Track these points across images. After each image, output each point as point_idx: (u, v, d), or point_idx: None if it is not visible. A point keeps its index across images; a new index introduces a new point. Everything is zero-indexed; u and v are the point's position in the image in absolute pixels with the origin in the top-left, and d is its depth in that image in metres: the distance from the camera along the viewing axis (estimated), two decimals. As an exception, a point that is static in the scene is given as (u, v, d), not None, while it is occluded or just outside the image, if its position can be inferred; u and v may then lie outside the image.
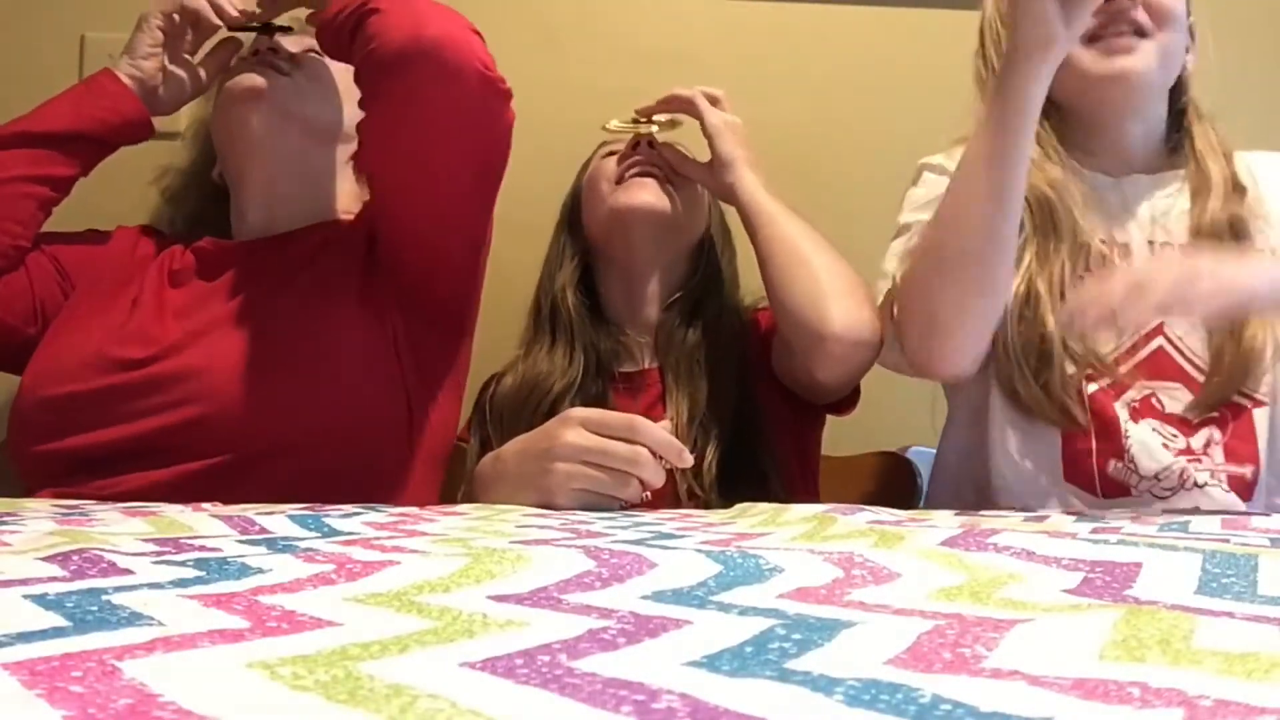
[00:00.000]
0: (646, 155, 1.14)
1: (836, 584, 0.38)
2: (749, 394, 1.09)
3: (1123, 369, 0.94)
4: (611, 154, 1.17)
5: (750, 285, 1.17)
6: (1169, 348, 0.95)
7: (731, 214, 1.18)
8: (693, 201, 1.15)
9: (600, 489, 0.82)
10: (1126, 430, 0.92)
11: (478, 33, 0.94)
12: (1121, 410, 0.93)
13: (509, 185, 1.20)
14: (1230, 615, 0.32)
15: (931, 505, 1.07)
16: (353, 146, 1.18)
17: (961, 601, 0.35)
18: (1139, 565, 0.42)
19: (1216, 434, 0.93)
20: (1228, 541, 0.50)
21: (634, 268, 1.15)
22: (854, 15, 1.43)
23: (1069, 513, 0.80)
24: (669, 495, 0.99)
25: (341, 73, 1.19)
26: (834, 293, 0.96)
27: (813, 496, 1.13)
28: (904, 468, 1.25)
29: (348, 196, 1.17)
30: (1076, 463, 0.93)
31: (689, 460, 0.85)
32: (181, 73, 1.10)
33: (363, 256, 1.04)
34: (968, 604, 0.35)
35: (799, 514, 0.68)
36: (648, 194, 1.11)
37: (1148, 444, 0.91)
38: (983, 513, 0.78)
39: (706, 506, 0.97)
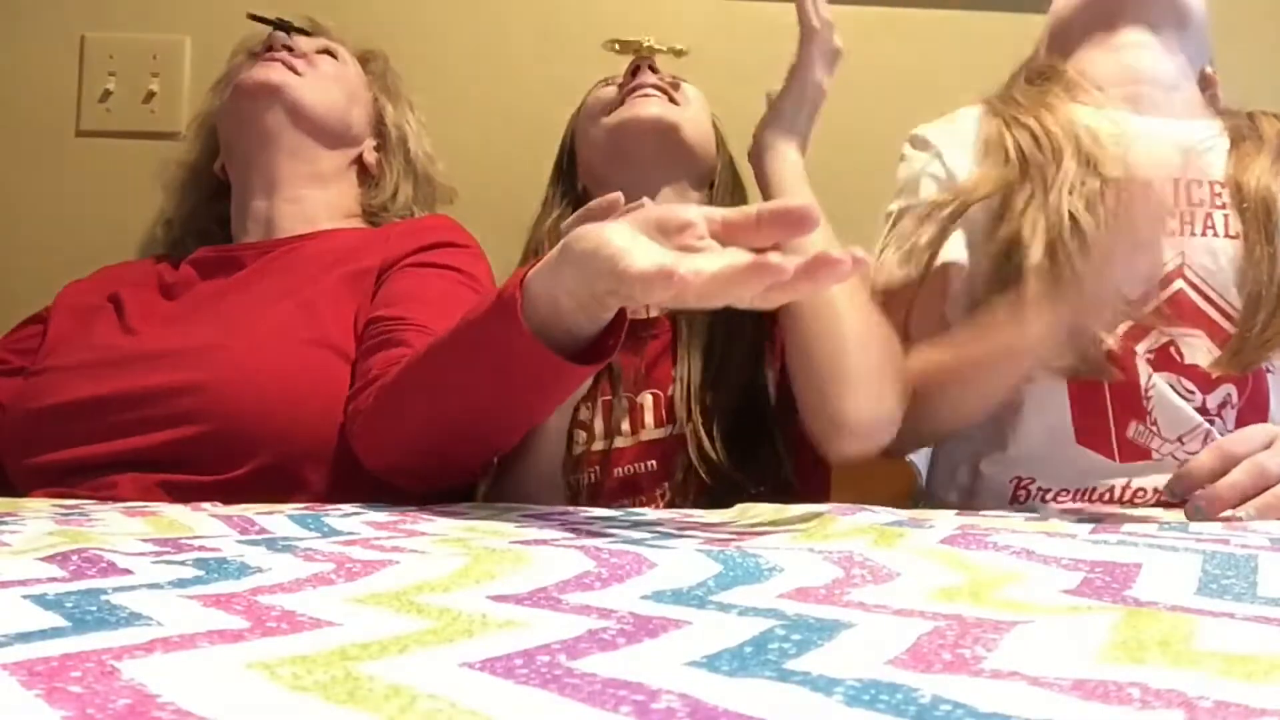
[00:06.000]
0: (648, 78, 1.08)
1: (836, 584, 0.38)
2: (762, 345, 1.02)
3: (1143, 312, 0.86)
4: (608, 85, 1.12)
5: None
6: (1189, 290, 0.87)
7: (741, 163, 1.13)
8: (698, 123, 1.09)
9: None
10: (1148, 387, 0.85)
11: None
12: (1142, 363, 0.85)
13: (509, 186, 1.20)
14: (1230, 616, 0.32)
15: (931, 490, 1.04)
16: (358, 150, 1.18)
17: (961, 602, 0.35)
18: (1139, 566, 0.42)
19: (1234, 395, 0.86)
20: (1228, 542, 0.50)
21: (638, 195, 1.07)
22: (854, 16, 1.43)
23: (1067, 513, 0.80)
24: (679, 456, 0.96)
25: (352, 75, 1.19)
26: (859, 375, 0.85)
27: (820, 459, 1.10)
28: (904, 468, 1.24)
29: (351, 199, 1.17)
30: (1091, 425, 0.86)
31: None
32: None
33: (370, 297, 1.01)
34: (967, 604, 0.34)
35: (799, 514, 0.68)
36: (652, 107, 1.05)
37: (1170, 401, 0.85)
38: (982, 513, 0.78)
39: (717, 466, 0.94)
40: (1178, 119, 0.97)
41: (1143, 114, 0.97)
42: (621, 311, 0.65)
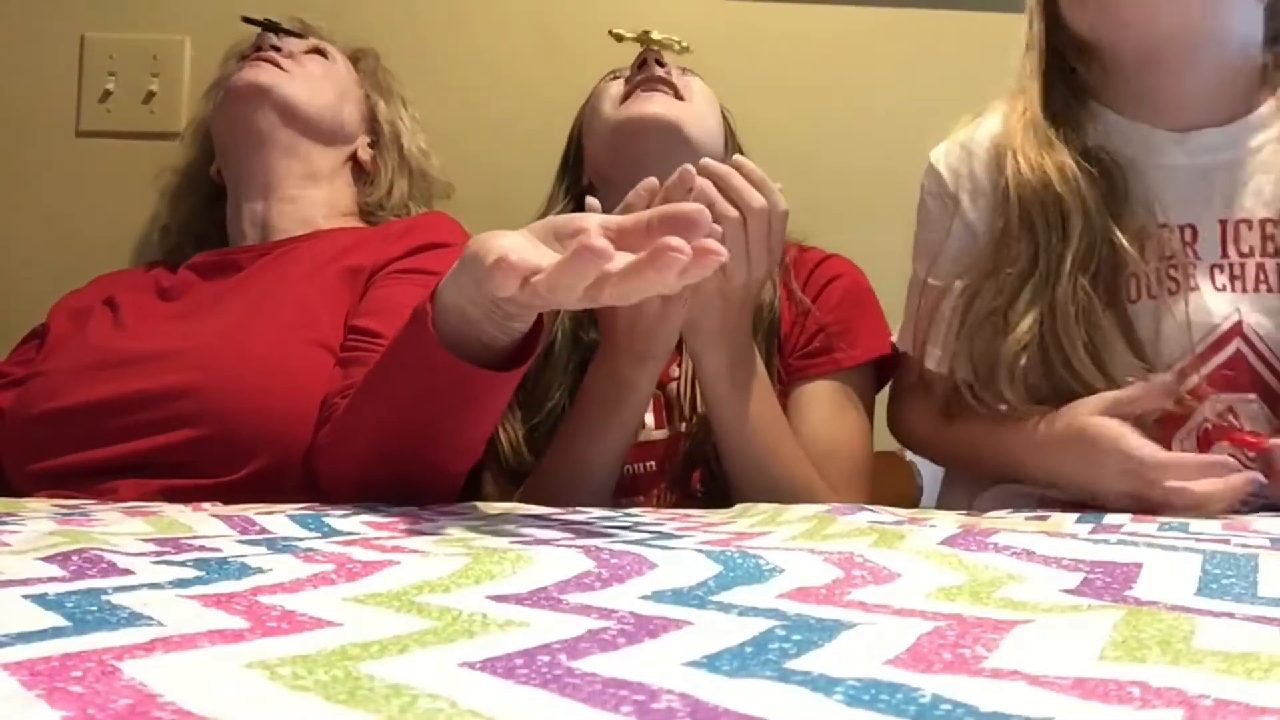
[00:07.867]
0: (655, 72, 1.06)
1: (836, 584, 0.38)
2: (771, 350, 0.99)
3: (1193, 380, 0.78)
4: (615, 79, 1.11)
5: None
6: (1248, 351, 0.79)
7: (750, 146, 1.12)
8: (703, 120, 1.07)
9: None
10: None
11: None
12: (1184, 445, 0.78)
13: (512, 189, 1.20)
14: (1230, 616, 0.32)
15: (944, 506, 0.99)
16: (352, 147, 1.18)
17: (961, 602, 0.35)
18: (1139, 565, 0.42)
19: None
20: (1228, 542, 0.50)
21: None
22: (854, 16, 1.43)
23: (1069, 511, 0.79)
24: (677, 457, 0.95)
25: (343, 73, 1.19)
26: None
27: None
28: (904, 468, 1.24)
29: (347, 198, 1.17)
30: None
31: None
32: None
33: (360, 296, 1.01)
34: (967, 604, 0.35)
35: (799, 514, 0.68)
36: (656, 105, 1.04)
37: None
38: (982, 513, 0.77)
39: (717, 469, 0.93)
40: (1221, 127, 0.84)
41: (1175, 127, 0.85)
42: (539, 321, 0.67)
